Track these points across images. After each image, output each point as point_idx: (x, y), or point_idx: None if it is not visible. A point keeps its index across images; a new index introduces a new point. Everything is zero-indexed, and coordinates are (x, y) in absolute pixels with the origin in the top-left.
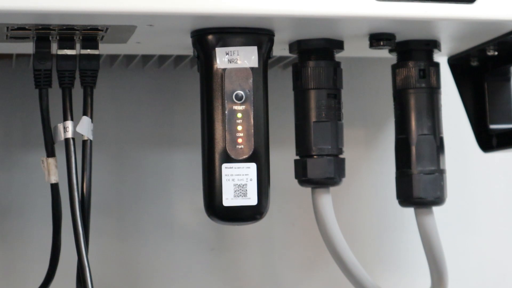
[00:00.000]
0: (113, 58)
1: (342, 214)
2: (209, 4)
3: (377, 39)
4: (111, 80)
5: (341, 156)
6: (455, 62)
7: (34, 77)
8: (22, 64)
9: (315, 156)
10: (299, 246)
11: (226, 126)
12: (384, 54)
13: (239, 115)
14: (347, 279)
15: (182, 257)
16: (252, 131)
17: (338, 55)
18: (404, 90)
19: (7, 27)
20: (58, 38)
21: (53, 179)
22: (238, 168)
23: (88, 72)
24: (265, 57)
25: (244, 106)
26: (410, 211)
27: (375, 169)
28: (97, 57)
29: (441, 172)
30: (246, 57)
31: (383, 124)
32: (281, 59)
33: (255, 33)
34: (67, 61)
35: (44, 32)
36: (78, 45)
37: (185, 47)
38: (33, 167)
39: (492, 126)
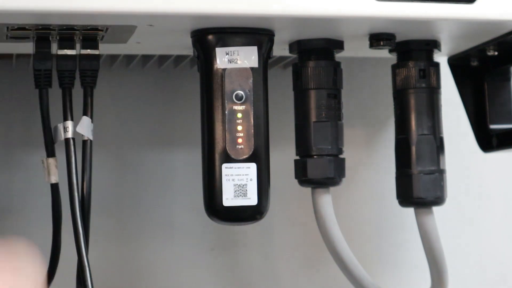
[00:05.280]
0: (113, 58)
1: (342, 214)
2: (209, 4)
3: (377, 39)
4: (111, 80)
5: (341, 156)
6: (455, 62)
7: (34, 77)
8: (22, 64)
9: (315, 156)
10: (299, 246)
11: (226, 126)
12: (384, 54)
13: (239, 115)
14: (347, 279)
15: (182, 257)
16: (252, 131)
17: (338, 55)
18: (404, 90)
19: (7, 27)
20: (58, 38)
21: (53, 179)
22: (238, 168)
23: (88, 72)
24: (265, 57)
25: (244, 106)
26: (410, 211)
27: (375, 169)
28: (97, 57)
29: (441, 172)
30: (246, 57)
31: (383, 124)
32: (281, 59)
33: (255, 33)
34: (67, 61)
35: (44, 32)
36: (78, 45)
37: (185, 47)
38: (33, 167)
39: (492, 126)
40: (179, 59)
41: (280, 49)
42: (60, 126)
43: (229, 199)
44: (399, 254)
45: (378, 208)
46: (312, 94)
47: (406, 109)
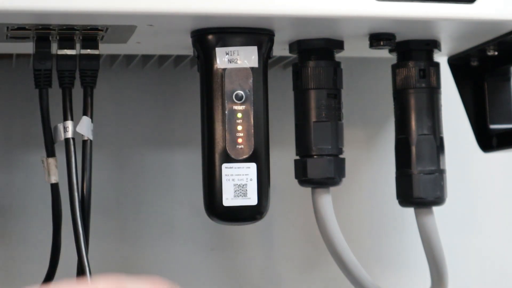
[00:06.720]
0: (113, 58)
1: (342, 214)
2: (209, 4)
3: (377, 39)
4: (111, 80)
5: (341, 156)
6: (455, 62)
7: (34, 77)
8: (22, 64)
9: (315, 156)
10: (299, 246)
11: (226, 126)
12: (384, 54)
13: (239, 115)
14: (347, 279)
15: (182, 257)
16: (252, 131)
17: (338, 55)
18: (404, 90)
19: (7, 27)
20: (58, 38)
21: (53, 179)
22: (238, 168)
23: (88, 72)
24: (265, 57)
25: (244, 106)
26: (410, 211)
27: (375, 169)
28: (97, 57)
29: (441, 172)
30: (246, 57)
31: (383, 124)
32: (281, 59)
33: (255, 33)
34: (67, 61)
35: (44, 32)
36: (78, 45)
37: (185, 47)
38: (33, 167)
39: (492, 126)
40: (179, 59)
41: (280, 49)
42: (60, 126)
43: (229, 199)
44: (399, 254)
45: (378, 208)
46: (312, 94)
47: (406, 109)
